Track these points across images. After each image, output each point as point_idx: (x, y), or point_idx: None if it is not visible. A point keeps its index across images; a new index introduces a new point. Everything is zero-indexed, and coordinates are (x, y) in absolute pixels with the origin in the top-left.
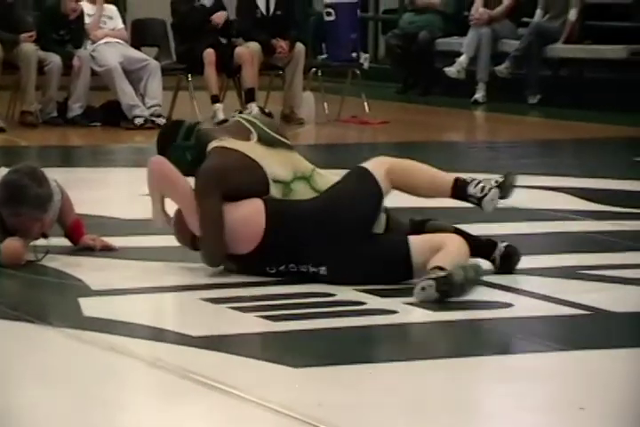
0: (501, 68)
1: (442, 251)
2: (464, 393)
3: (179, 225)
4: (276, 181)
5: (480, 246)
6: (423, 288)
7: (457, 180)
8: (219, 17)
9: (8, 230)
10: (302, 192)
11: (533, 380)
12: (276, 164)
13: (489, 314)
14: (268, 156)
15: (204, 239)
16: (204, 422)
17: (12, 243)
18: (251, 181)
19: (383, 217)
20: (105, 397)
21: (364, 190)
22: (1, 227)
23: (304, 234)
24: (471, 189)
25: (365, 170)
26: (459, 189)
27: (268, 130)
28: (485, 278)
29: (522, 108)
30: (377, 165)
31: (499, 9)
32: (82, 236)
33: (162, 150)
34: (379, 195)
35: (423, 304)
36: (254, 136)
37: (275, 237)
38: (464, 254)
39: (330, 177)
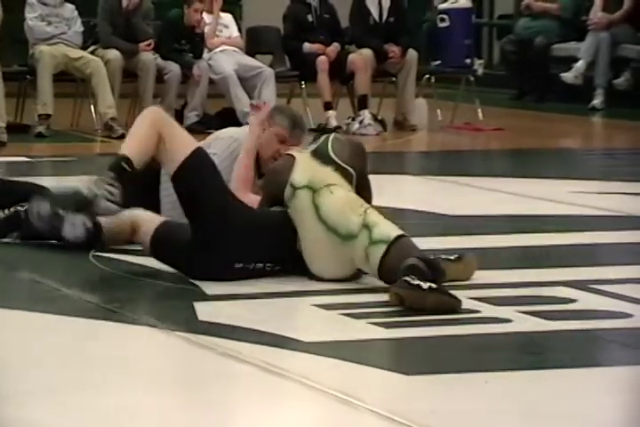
0: (620, 81)
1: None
2: (578, 403)
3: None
4: (290, 185)
5: None
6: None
7: None
8: (332, 50)
9: None
10: (302, 200)
11: None
12: (301, 169)
13: (607, 324)
14: (304, 163)
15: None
16: None
17: None
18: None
19: None
20: (217, 401)
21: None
22: None
23: None
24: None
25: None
26: None
27: (330, 151)
28: (603, 288)
29: None
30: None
31: (618, 13)
32: None
33: None
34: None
35: (538, 313)
36: (312, 146)
37: None
38: None
39: (338, 197)
